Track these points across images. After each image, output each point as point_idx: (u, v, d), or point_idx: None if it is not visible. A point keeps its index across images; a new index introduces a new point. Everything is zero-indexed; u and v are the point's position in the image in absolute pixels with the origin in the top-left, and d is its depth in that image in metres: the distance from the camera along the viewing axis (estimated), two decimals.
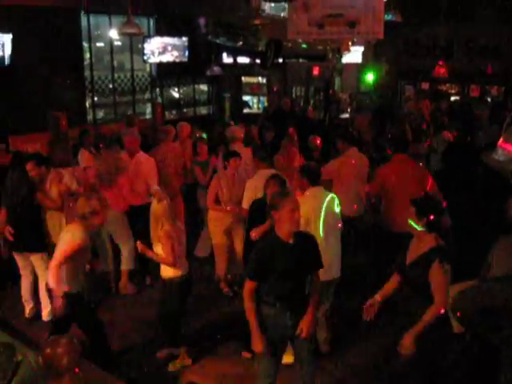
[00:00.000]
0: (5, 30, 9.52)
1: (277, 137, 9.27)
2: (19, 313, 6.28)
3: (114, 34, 11.96)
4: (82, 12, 11.38)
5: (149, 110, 13.92)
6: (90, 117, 12.15)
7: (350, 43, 16.50)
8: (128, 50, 13.04)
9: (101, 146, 7.81)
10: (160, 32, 13.15)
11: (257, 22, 13.34)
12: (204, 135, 8.96)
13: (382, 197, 6.69)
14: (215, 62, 14.48)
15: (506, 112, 9.99)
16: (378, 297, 4.46)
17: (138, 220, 6.83)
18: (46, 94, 10.12)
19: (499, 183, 6.16)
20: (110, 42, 12.48)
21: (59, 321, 5.01)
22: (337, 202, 5.56)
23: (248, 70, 16.43)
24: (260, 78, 17.52)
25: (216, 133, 10.50)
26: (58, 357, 3.17)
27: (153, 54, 12.60)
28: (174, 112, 14.76)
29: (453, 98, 19.90)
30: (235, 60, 15.19)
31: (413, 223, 4.17)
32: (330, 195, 5.69)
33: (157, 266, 5.47)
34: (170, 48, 12.92)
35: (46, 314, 6.16)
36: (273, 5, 16.17)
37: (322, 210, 5.29)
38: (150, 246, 5.27)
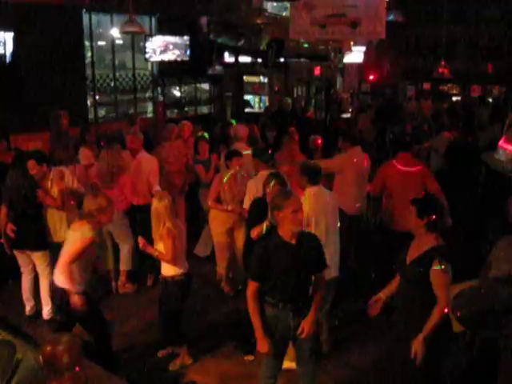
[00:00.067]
0: (6, 28, 9.52)
1: (278, 136, 9.27)
2: (20, 311, 6.29)
3: (115, 32, 11.98)
4: (84, 10, 11.38)
5: (150, 108, 13.92)
6: (91, 115, 12.15)
7: (351, 43, 16.48)
8: (130, 48, 13.04)
9: (102, 144, 7.82)
10: (162, 31, 13.15)
11: (259, 21, 13.33)
12: (205, 134, 8.96)
13: (383, 196, 6.69)
14: (217, 61, 14.49)
15: (507, 112, 10.00)
16: (381, 295, 4.46)
17: (140, 219, 6.84)
18: (48, 93, 10.11)
19: (500, 183, 6.16)
20: (112, 40, 12.48)
21: (65, 319, 5.07)
22: (336, 201, 5.55)
23: (250, 69, 16.44)
24: (261, 78, 17.56)
25: (217, 132, 10.52)
26: (58, 355, 3.17)
27: (154, 52, 12.61)
28: (175, 111, 14.77)
29: (454, 98, 19.93)
30: (237, 59, 15.20)
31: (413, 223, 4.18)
32: (330, 194, 5.70)
33: (158, 267, 5.47)
34: (171, 47, 12.93)
35: (46, 313, 6.17)
36: (275, 4, 16.19)
37: (321, 209, 5.28)
38: (150, 244, 5.27)
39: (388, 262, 6.53)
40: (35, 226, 6.08)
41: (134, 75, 13.20)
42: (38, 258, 6.13)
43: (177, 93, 15.02)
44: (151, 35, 12.65)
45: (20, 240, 6.05)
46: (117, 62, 12.82)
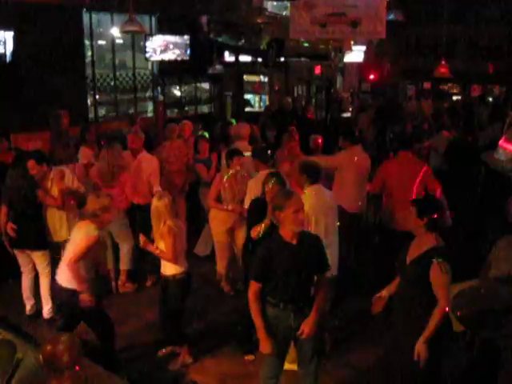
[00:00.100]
0: (6, 27, 9.52)
1: (278, 135, 9.27)
2: (20, 310, 6.29)
3: (115, 31, 11.97)
4: (84, 9, 11.38)
5: (150, 108, 13.92)
6: (91, 114, 12.15)
7: (351, 42, 16.49)
8: (130, 48, 13.04)
9: (102, 143, 7.82)
10: (162, 30, 13.14)
11: (259, 20, 13.33)
12: (205, 133, 8.96)
13: (383, 195, 6.69)
14: (217, 61, 14.49)
15: (507, 112, 10.00)
16: (384, 293, 4.45)
17: (140, 218, 6.84)
18: (48, 92, 10.11)
19: (500, 183, 6.16)
20: (112, 39, 12.48)
21: (69, 319, 5.09)
22: (334, 201, 5.55)
23: (250, 68, 16.44)
24: (262, 77, 17.55)
25: (217, 131, 10.52)
26: (58, 354, 3.17)
27: (155, 52, 12.61)
28: (175, 110, 14.77)
29: (454, 98, 19.92)
30: (237, 58, 15.20)
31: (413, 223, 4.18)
32: (329, 194, 5.70)
33: (158, 266, 5.47)
34: (171, 46, 12.93)
35: (46, 312, 6.17)
36: (275, 3, 16.19)
37: (321, 209, 5.28)
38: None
39: (388, 262, 6.57)
40: (35, 225, 6.08)
41: (134, 74, 13.20)
42: (38, 258, 6.13)
43: (177, 92, 15.02)
44: (151, 34, 12.65)
45: (20, 239, 6.05)
46: (117, 62, 12.81)
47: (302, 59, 18.07)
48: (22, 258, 6.24)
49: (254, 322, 4.19)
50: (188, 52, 13.26)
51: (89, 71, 11.99)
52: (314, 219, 5.17)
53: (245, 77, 16.78)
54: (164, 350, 5.57)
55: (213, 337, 5.94)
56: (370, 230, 7.53)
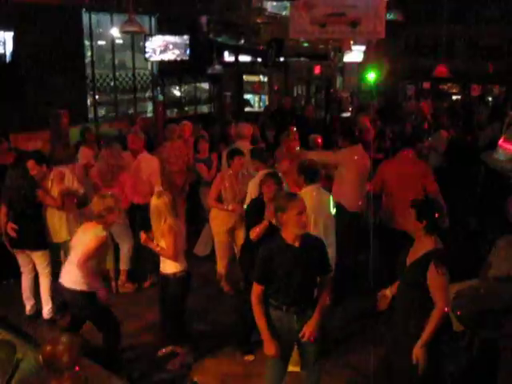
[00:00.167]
0: (6, 28, 9.52)
1: (278, 135, 9.27)
2: (20, 310, 6.28)
3: (115, 32, 11.98)
4: (84, 10, 11.38)
5: (150, 108, 13.93)
6: (91, 115, 12.16)
7: (351, 42, 16.49)
8: (129, 48, 13.06)
9: (102, 143, 7.81)
10: (161, 30, 13.16)
11: (258, 20, 13.35)
12: (205, 133, 8.96)
13: (383, 194, 6.69)
14: (217, 61, 14.49)
15: (507, 111, 10.01)
16: (387, 292, 4.43)
17: (140, 218, 6.84)
18: (47, 92, 10.12)
19: (499, 182, 6.16)
20: (112, 40, 12.49)
21: (74, 319, 5.14)
22: (332, 201, 5.54)
23: (249, 68, 16.45)
24: (261, 77, 17.55)
25: (217, 131, 10.52)
26: (58, 354, 3.17)
27: (154, 52, 12.62)
28: (175, 110, 14.78)
29: (454, 97, 19.94)
30: (237, 58, 15.22)
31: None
32: (327, 194, 5.69)
33: (158, 267, 5.47)
34: (171, 46, 12.94)
35: (46, 312, 6.17)
36: (274, 3, 16.19)
37: (320, 209, 5.28)
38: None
39: (388, 261, 6.57)
40: (35, 225, 6.08)
41: (133, 75, 13.21)
42: (38, 258, 6.13)
43: (177, 92, 15.04)
44: (151, 35, 12.66)
45: (20, 239, 6.04)
46: (117, 62, 12.83)
47: (302, 59, 18.08)
48: (21, 258, 6.24)
49: (257, 324, 4.17)
50: (188, 52, 13.27)
51: (88, 71, 12.01)
52: (313, 219, 5.16)
53: (244, 77, 16.80)
54: (164, 350, 5.56)
55: (213, 337, 5.94)
56: (370, 229, 7.51)
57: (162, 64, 13.45)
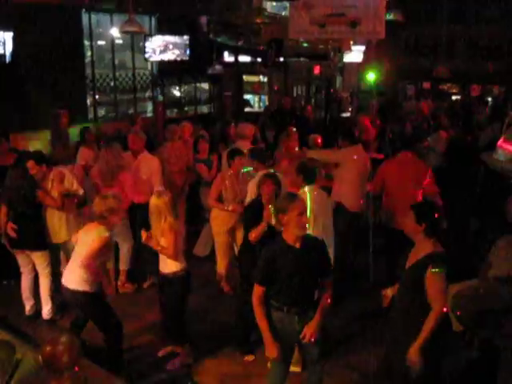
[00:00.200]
0: (6, 28, 9.53)
1: (278, 135, 9.27)
2: (19, 311, 6.28)
3: (115, 32, 11.99)
4: (84, 10, 11.39)
5: (150, 108, 13.93)
6: (91, 115, 12.16)
7: (351, 42, 16.50)
8: (129, 48, 13.06)
9: (102, 143, 7.81)
10: (161, 30, 13.16)
11: (258, 20, 13.35)
12: (205, 133, 8.96)
13: (383, 194, 6.69)
14: (216, 61, 14.50)
15: (507, 112, 10.01)
16: (388, 291, 4.43)
17: (140, 218, 6.83)
18: (47, 92, 10.12)
19: (499, 183, 6.16)
20: (112, 40, 12.49)
21: (77, 319, 5.17)
22: (331, 202, 5.54)
23: (249, 68, 16.45)
24: (261, 77, 17.56)
25: (217, 131, 10.52)
26: (57, 355, 3.17)
27: (154, 52, 12.62)
28: (175, 110, 14.78)
29: (454, 98, 19.94)
30: (236, 59, 15.22)
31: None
32: (325, 195, 5.68)
33: (158, 267, 5.46)
34: (171, 46, 12.95)
35: (46, 312, 6.17)
36: (274, 4, 16.18)
37: (319, 209, 5.27)
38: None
39: (387, 261, 6.58)
40: (34, 225, 6.08)
41: (133, 75, 13.21)
42: (38, 258, 6.13)
43: (176, 92, 15.04)
44: (151, 35, 12.66)
45: (19, 240, 6.04)
46: (116, 62, 12.83)
47: (302, 59, 18.09)
48: (21, 258, 6.23)
49: (259, 325, 4.16)
50: (187, 52, 13.27)
51: (88, 71, 12.02)
52: (312, 220, 5.16)
53: (244, 77, 16.80)
54: (164, 350, 5.57)
55: (213, 337, 5.94)
56: (370, 229, 7.51)
57: (161, 64, 13.45)
